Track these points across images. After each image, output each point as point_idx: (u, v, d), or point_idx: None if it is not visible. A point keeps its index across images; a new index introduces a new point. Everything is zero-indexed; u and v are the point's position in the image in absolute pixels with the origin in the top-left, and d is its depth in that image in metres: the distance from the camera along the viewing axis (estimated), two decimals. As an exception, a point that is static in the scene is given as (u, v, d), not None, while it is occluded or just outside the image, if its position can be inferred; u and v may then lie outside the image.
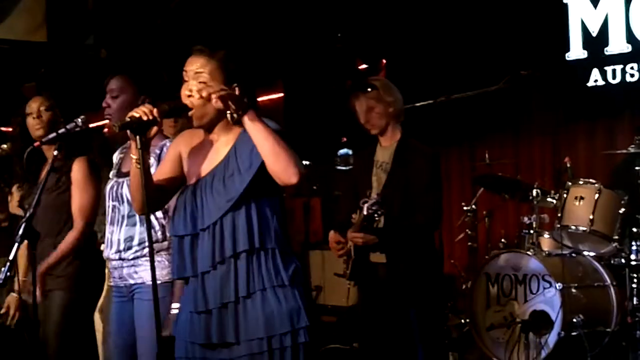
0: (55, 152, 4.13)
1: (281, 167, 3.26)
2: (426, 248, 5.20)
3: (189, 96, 3.39)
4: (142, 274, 4.07)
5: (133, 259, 4.07)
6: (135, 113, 3.25)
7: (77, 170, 4.69)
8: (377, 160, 5.21)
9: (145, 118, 3.24)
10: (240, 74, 3.44)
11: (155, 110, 3.26)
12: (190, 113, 3.39)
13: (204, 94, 3.35)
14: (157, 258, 4.03)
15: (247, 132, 3.33)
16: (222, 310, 3.36)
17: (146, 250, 4.04)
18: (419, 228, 5.10)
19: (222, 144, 3.46)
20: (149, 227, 3.33)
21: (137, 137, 3.25)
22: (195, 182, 3.45)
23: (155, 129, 3.29)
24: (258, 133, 3.28)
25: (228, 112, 3.29)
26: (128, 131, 3.27)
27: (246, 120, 3.27)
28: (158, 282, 3.99)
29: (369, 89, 5.20)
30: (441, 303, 5.84)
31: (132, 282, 4.09)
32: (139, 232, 4.07)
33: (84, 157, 4.75)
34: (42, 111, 4.81)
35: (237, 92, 3.32)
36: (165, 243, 4.04)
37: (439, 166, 5.22)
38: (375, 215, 4.91)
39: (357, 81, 7.79)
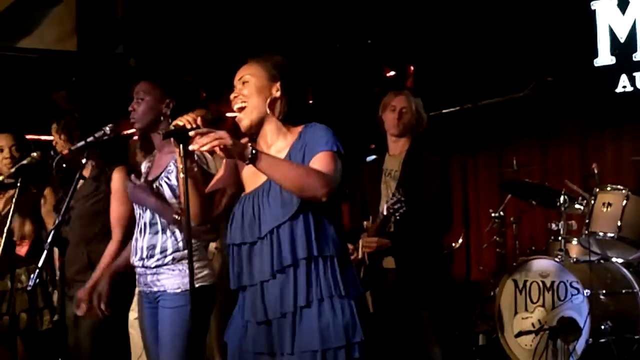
0: (84, 161, 4.17)
1: (309, 195, 3.26)
2: (435, 253, 5.25)
3: (236, 97, 3.45)
4: (165, 282, 4.09)
5: (155, 267, 4.09)
6: (180, 121, 3.26)
7: (117, 180, 4.70)
8: (386, 168, 5.28)
9: (189, 126, 3.24)
10: (283, 73, 3.46)
11: (199, 119, 3.26)
12: (237, 118, 3.43)
13: (245, 92, 3.41)
14: (178, 267, 4.07)
15: (302, 138, 3.37)
16: (280, 320, 3.34)
17: (168, 258, 4.08)
18: (431, 232, 5.16)
19: (277, 151, 3.43)
20: (189, 232, 3.31)
21: (181, 145, 3.26)
22: (252, 190, 3.45)
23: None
24: (272, 174, 3.27)
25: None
26: (172, 139, 3.30)
27: (257, 165, 3.23)
28: (178, 290, 4.04)
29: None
30: (451, 304, 5.86)
31: (155, 289, 4.12)
32: (162, 240, 4.10)
33: (123, 167, 4.77)
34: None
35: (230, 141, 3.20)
36: (186, 252, 4.06)
37: (447, 174, 5.28)
38: (397, 214, 4.89)
39: (394, 85, 7.84)
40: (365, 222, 5.18)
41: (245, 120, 3.43)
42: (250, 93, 3.42)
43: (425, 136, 5.36)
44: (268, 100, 3.42)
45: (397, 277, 5.08)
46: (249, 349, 3.42)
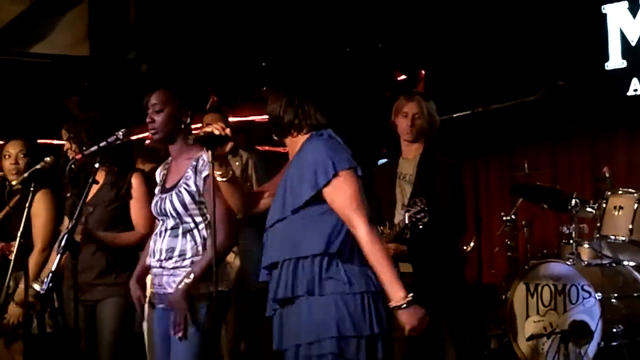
0: (97, 165, 4.17)
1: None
2: (452, 256, 5.25)
3: None
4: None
5: (172, 268, 4.11)
6: (208, 128, 3.57)
7: (137, 186, 4.79)
8: (401, 172, 5.28)
9: (217, 133, 3.55)
10: (289, 100, 3.64)
11: (228, 129, 3.57)
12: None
13: None
14: None
15: (300, 153, 3.60)
16: (279, 310, 3.61)
17: (187, 261, 4.09)
18: (447, 236, 5.16)
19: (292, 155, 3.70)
20: (214, 232, 3.58)
21: (209, 151, 3.56)
22: None
23: (230, 144, 3.59)
24: None
25: None
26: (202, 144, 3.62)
27: None
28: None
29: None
30: (468, 309, 5.86)
31: (170, 290, 4.12)
32: (181, 243, 4.11)
33: (140, 172, 4.86)
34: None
35: None
36: None
37: (460, 175, 5.28)
38: (419, 223, 4.82)
39: (406, 90, 7.85)
40: (380, 227, 5.17)
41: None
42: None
43: (437, 140, 5.37)
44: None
45: (414, 282, 5.06)
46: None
